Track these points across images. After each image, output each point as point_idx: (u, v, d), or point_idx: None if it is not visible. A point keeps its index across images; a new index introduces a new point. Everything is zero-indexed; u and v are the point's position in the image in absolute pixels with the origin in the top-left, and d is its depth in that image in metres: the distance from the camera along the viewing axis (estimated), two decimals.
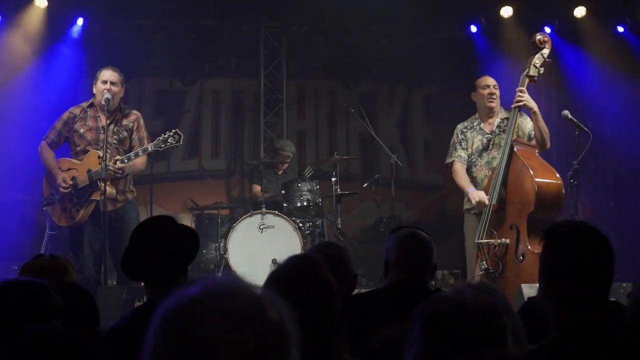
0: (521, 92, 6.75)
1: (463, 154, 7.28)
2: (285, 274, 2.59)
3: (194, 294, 1.40)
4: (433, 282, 9.24)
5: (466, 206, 7.24)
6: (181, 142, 7.09)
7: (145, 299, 5.94)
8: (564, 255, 2.56)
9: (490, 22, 10.60)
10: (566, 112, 7.01)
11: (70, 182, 7.14)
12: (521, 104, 6.73)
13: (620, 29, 10.32)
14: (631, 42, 10.28)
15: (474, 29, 10.74)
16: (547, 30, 10.18)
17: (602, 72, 10.25)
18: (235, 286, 1.42)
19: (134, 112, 7.47)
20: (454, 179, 7.28)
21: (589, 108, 10.00)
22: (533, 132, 6.95)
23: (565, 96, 10.38)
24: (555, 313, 2.52)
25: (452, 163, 7.32)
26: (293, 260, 2.66)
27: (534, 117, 6.84)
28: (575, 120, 6.93)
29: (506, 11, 10.30)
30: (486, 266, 6.55)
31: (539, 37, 6.87)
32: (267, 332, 1.37)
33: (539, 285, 2.64)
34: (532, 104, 6.77)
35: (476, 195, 6.84)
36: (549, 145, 6.95)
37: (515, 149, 6.64)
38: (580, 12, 10.17)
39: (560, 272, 2.55)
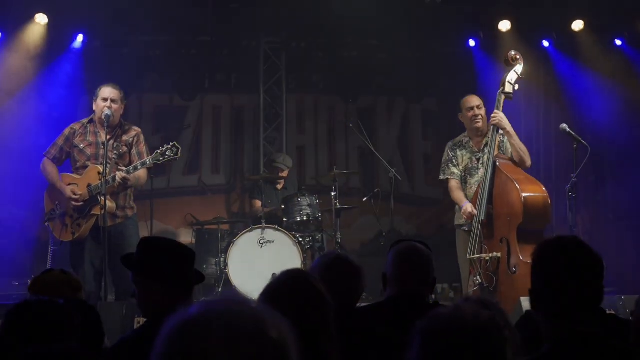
0: (495, 113, 6.89)
1: (456, 170, 7.37)
2: (279, 288, 2.61)
3: (196, 312, 1.43)
4: (433, 296, 9.25)
5: (457, 222, 7.36)
6: (179, 155, 7.09)
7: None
8: (552, 271, 2.57)
9: (488, 36, 10.64)
10: (564, 125, 7.04)
11: (80, 193, 7.14)
12: (495, 122, 6.86)
13: (618, 42, 10.35)
14: (629, 55, 10.30)
15: (472, 43, 10.78)
16: (546, 44, 10.25)
17: (600, 85, 10.26)
18: (238, 304, 1.45)
19: (135, 128, 7.49)
20: (451, 196, 7.38)
21: (587, 121, 10.02)
22: None
23: (564, 110, 10.39)
24: (547, 327, 2.53)
25: (447, 180, 7.43)
26: (286, 274, 2.68)
27: (508, 137, 6.96)
28: (574, 133, 6.95)
29: (504, 25, 10.32)
30: (480, 281, 6.59)
31: (511, 54, 7.03)
32: (267, 350, 1.39)
33: (530, 300, 2.65)
34: (505, 124, 6.88)
35: (465, 211, 6.94)
36: (529, 163, 7.01)
37: (497, 164, 6.75)
38: (578, 25, 10.19)
39: (549, 287, 2.56)
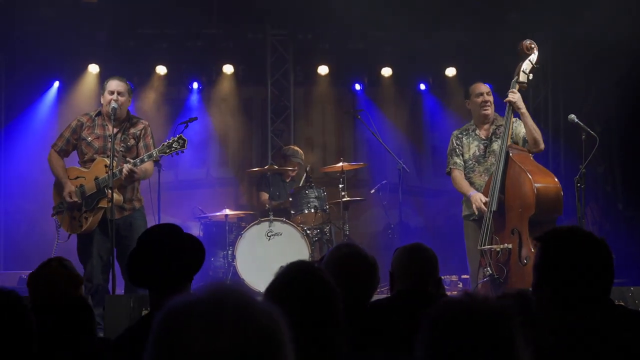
0: (512, 92, 6.82)
1: (459, 160, 7.32)
2: (285, 280, 2.60)
3: (186, 301, 1.42)
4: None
5: (465, 212, 7.30)
6: (185, 147, 7.09)
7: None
8: (559, 262, 2.55)
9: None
10: (572, 116, 7.00)
11: (76, 199, 7.15)
12: (514, 99, 6.76)
13: None
14: None
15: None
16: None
17: None
18: (228, 293, 1.43)
19: (142, 120, 7.49)
20: (455, 187, 7.34)
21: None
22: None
23: (574, 100, 10.35)
24: (553, 317, 2.52)
25: (450, 171, 7.37)
26: (293, 265, 2.68)
27: (523, 118, 6.87)
28: (582, 124, 6.91)
29: None
30: (490, 272, 6.55)
31: (526, 43, 6.93)
32: (257, 339, 1.38)
33: (534, 291, 2.63)
34: (521, 104, 6.80)
35: (475, 200, 6.87)
36: (542, 146, 6.94)
37: (510, 154, 6.69)
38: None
39: (555, 278, 2.54)
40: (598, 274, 2.57)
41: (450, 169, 7.35)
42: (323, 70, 11.22)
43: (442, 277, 4.03)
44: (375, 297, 4.01)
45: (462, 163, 7.30)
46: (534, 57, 6.87)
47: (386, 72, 11.30)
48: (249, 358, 1.36)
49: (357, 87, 11.49)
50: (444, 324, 1.82)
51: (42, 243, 9.42)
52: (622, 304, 5.66)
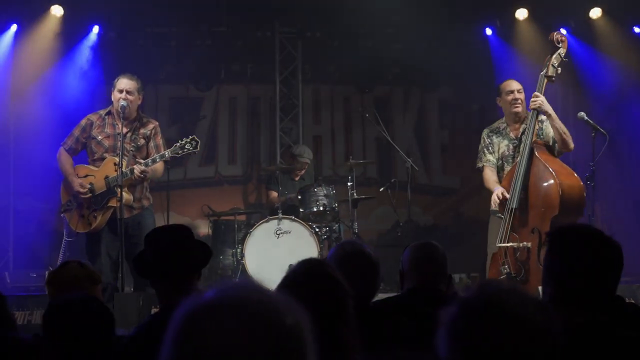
0: (536, 95, 6.64)
1: (492, 158, 7.18)
2: (295, 277, 2.60)
3: (208, 300, 1.39)
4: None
5: (492, 208, 7.16)
6: (198, 149, 7.11)
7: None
8: (569, 259, 2.53)
9: (505, 25, 10.59)
10: (582, 113, 6.95)
11: (88, 186, 7.16)
12: (536, 106, 6.62)
13: (637, 30, 10.25)
14: None
15: (489, 31, 10.72)
16: (563, 31, 10.12)
17: (618, 72, 10.18)
18: (251, 291, 1.41)
19: (152, 121, 7.50)
20: (485, 184, 7.19)
21: (606, 109, 9.95)
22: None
23: (582, 98, 10.32)
24: (561, 316, 2.50)
25: (482, 168, 7.24)
26: (303, 263, 2.68)
27: (550, 120, 6.69)
28: (591, 121, 6.87)
29: (521, 13, 10.27)
30: (508, 270, 6.45)
31: (556, 35, 6.74)
32: (281, 339, 1.35)
33: (543, 289, 2.61)
34: (547, 107, 6.62)
35: (495, 193, 6.74)
36: (572, 146, 6.76)
37: (535, 152, 6.51)
38: (596, 13, 10.12)
39: (565, 276, 2.52)
40: (604, 272, 2.55)
41: (484, 166, 7.20)
42: (331, 68, 11.21)
43: (451, 275, 4.02)
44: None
45: (495, 161, 7.17)
46: (563, 50, 6.66)
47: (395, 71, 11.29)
48: (276, 357, 1.34)
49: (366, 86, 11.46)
50: (471, 335, 1.69)
51: (52, 242, 9.44)
52: (633, 301, 5.63)
